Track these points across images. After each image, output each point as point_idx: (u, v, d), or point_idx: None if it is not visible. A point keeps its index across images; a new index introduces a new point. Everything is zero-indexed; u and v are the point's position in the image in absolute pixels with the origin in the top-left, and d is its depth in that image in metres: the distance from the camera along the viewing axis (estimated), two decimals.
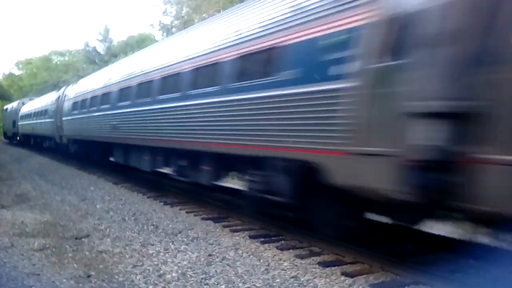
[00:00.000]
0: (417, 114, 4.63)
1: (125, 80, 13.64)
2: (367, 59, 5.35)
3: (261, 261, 6.50)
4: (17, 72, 77.63)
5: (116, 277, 5.85)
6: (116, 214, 9.79)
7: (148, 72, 11.81)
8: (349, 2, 5.72)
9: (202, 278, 5.78)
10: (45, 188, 14.01)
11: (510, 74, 4.11)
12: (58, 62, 70.15)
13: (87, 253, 6.94)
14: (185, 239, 7.68)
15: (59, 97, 23.52)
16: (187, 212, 10.01)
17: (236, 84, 7.92)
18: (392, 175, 4.90)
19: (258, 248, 7.19)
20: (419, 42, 4.75)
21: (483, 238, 8.42)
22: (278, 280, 5.73)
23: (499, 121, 4.18)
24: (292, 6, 6.85)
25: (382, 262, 6.16)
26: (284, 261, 6.52)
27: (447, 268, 6.24)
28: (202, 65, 9.15)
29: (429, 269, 5.93)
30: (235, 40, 8.13)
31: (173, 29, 39.22)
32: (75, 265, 6.35)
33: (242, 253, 6.90)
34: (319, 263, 6.36)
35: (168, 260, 6.53)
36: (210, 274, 5.92)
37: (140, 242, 7.50)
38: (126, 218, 9.43)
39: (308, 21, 6.39)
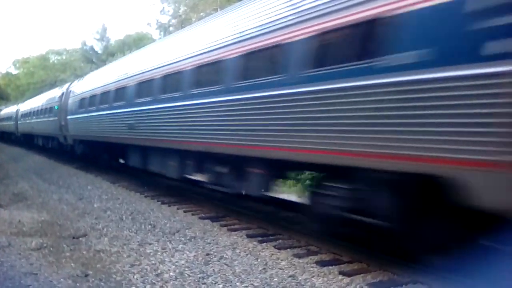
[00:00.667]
0: None
1: (146, 72, 11.70)
2: None
3: (259, 260, 6.50)
4: (14, 71, 77.49)
5: (114, 276, 5.85)
6: (114, 213, 9.78)
7: (178, 62, 9.90)
8: None
9: (199, 277, 5.78)
10: (43, 187, 13.98)
11: None
12: (55, 61, 70.02)
13: (84, 252, 6.93)
14: (183, 238, 7.67)
15: (63, 94, 21.90)
16: (184, 211, 10.00)
17: (320, 69, 5.95)
18: None
19: (255, 247, 7.19)
20: None
21: (482, 237, 8.45)
22: (275, 279, 5.74)
23: None
24: None
25: (380, 261, 6.17)
26: (281, 260, 6.52)
27: (445, 267, 6.26)
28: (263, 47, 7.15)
29: (427, 268, 5.95)
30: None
31: (171, 28, 39.18)
32: (72, 264, 6.34)
33: (239, 252, 6.90)
34: (317, 262, 6.37)
35: (166, 259, 6.53)
36: (208, 273, 5.92)
37: (138, 241, 7.49)
38: (124, 217, 9.42)
39: None
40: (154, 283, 5.60)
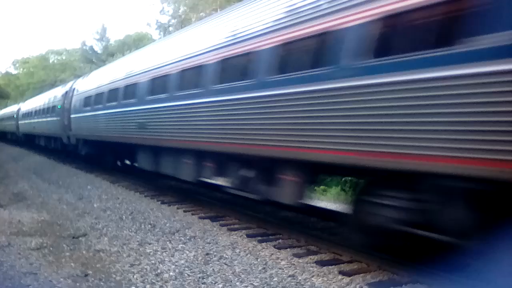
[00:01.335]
0: None
1: (160, 68, 10.87)
2: None
3: (259, 260, 6.50)
4: (14, 71, 77.48)
5: (114, 276, 5.85)
6: (114, 213, 9.78)
7: (200, 55, 9.03)
8: None
9: (199, 277, 5.78)
10: (42, 187, 13.99)
11: None
12: (55, 61, 70.03)
13: (84, 252, 6.93)
14: (183, 238, 7.67)
15: (66, 92, 21.03)
16: (184, 211, 10.00)
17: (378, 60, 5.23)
18: None
19: (255, 247, 7.20)
20: None
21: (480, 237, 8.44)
22: (275, 279, 5.74)
23: None
24: None
25: (380, 261, 6.17)
26: (281, 260, 6.52)
27: (445, 267, 6.26)
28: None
29: (427, 268, 5.95)
30: None
31: (170, 28, 39.17)
32: (72, 264, 6.34)
33: (239, 252, 6.90)
34: (317, 262, 6.37)
35: (166, 259, 6.53)
36: (208, 273, 5.92)
37: (138, 241, 7.50)
38: (124, 217, 9.42)
39: None
40: (153, 282, 5.60)
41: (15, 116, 37.77)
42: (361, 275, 5.89)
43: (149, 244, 7.32)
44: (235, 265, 6.25)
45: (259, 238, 7.64)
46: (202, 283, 5.60)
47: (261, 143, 7.07)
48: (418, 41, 4.99)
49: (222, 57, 8.24)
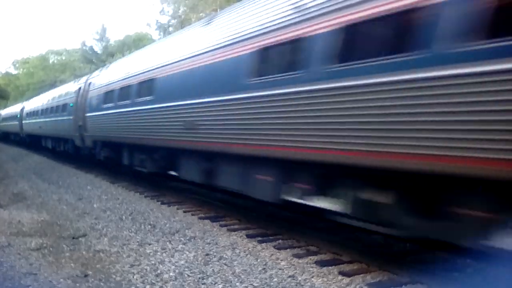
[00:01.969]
0: None
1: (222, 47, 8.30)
2: None
3: (259, 260, 6.50)
4: (14, 72, 77.50)
5: (114, 276, 5.85)
6: (113, 214, 9.78)
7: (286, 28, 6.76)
8: None
9: (199, 278, 5.78)
10: (42, 187, 13.98)
11: None
12: (55, 61, 70.06)
13: (84, 252, 6.93)
14: (183, 239, 7.67)
15: (80, 88, 18.55)
16: (184, 212, 10.00)
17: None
18: None
19: (255, 247, 7.19)
20: None
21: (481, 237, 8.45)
22: (275, 279, 5.74)
23: None
24: None
25: (380, 261, 6.17)
26: (281, 260, 6.52)
27: (444, 267, 6.26)
28: None
29: (427, 268, 5.95)
30: None
31: (170, 28, 39.19)
32: (72, 264, 6.33)
33: (239, 252, 6.90)
34: (316, 262, 6.37)
35: (166, 259, 6.53)
36: (208, 274, 5.92)
37: (138, 241, 7.49)
38: (124, 217, 9.42)
39: None
40: (153, 283, 5.60)
41: (18, 115, 35.48)
42: (361, 275, 5.88)
43: (149, 244, 7.32)
44: (235, 266, 6.24)
45: (259, 238, 7.64)
46: (202, 284, 5.59)
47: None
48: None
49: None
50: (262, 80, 7.08)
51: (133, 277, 5.81)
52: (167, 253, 6.85)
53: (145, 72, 11.78)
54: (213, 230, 8.36)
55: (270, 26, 7.05)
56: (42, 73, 63.87)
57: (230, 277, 5.82)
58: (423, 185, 5.09)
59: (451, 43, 4.46)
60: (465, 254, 6.77)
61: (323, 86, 5.89)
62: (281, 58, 7.15)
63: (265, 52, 7.19)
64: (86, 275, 5.86)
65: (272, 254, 6.81)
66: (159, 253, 6.83)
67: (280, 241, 7.54)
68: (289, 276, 5.84)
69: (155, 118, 10.88)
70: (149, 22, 73.86)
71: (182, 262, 6.41)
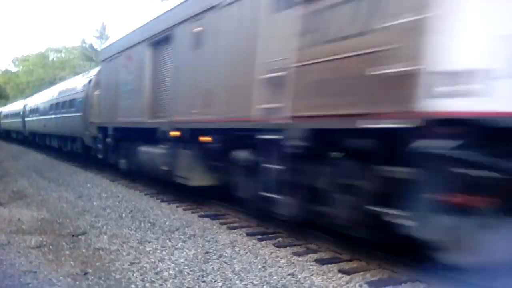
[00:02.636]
0: None
1: None
2: None
3: (258, 258, 6.50)
4: (13, 69, 77.42)
5: (113, 274, 5.85)
6: (113, 212, 9.78)
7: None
8: None
9: (199, 276, 5.78)
10: (42, 185, 13.98)
11: None
12: (54, 59, 69.95)
13: (84, 250, 6.93)
14: (182, 237, 7.68)
15: (90, 81, 17.16)
16: (184, 210, 10.01)
17: None
18: None
19: (255, 245, 7.20)
20: None
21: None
22: (275, 277, 5.74)
23: None
24: None
25: (379, 259, 6.17)
26: (281, 258, 6.53)
27: (444, 266, 6.26)
28: None
29: (426, 266, 5.95)
30: None
31: None
32: (72, 262, 6.33)
33: (239, 250, 6.91)
34: (316, 261, 6.37)
35: (165, 257, 6.53)
36: (207, 272, 5.93)
37: (137, 239, 7.50)
38: (123, 215, 9.42)
39: None
40: (153, 281, 5.60)
41: (21, 113, 33.47)
42: (361, 273, 5.89)
43: (149, 242, 7.32)
44: (234, 264, 6.25)
45: (259, 236, 7.64)
46: (202, 282, 5.60)
47: None
48: None
49: None
50: None
51: (132, 275, 5.82)
52: (166, 251, 6.85)
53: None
54: (213, 228, 8.37)
55: None
56: (42, 71, 63.76)
57: (229, 275, 5.83)
58: None
59: None
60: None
61: None
62: None
63: None
64: (86, 273, 5.86)
65: (272, 252, 6.82)
66: (158, 251, 6.83)
67: (280, 239, 7.55)
68: (289, 274, 5.84)
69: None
70: None
71: (182, 260, 6.41)
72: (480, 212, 4.31)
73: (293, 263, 6.32)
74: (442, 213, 4.39)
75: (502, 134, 4.22)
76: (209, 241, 7.39)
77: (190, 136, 9.06)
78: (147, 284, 5.51)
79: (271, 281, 5.60)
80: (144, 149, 11.31)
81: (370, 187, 5.34)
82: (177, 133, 9.38)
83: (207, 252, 6.77)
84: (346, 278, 5.75)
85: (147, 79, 11.00)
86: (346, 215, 5.77)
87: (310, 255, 6.66)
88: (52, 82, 50.42)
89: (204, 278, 5.72)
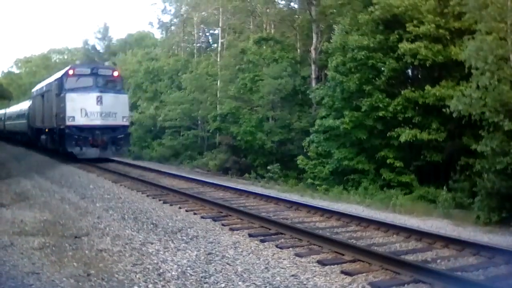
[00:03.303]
0: None
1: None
2: None
3: (261, 259, 6.50)
4: (16, 71, 77.52)
5: (116, 276, 5.85)
6: (116, 213, 9.78)
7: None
8: None
9: (201, 277, 5.78)
10: (45, 186, 13.98)
11: None
12: (57, 60, 70.00)
13: (86, 251, 6.93)
14: (185, 238, 7.68)
15: (30, 105, 25.85)
16: (186, 211, 10.00)
17: None
18: None
19: (257, 246, 7.19)
20: None
21: (483, 236, 8.47)
22: (277, 278, 5.73)
23: None
24: None
25: (382, 260, 6.16)
26: (283, 259, 6.52)
27: (447, 266, 6.25)
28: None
29: (429, 267, 5.94)
30: None
31: (172, 27, 39.14)
32: (74, 263, 6.34)
33: (241, 251, 6.90)
34: (319, 261, 6.36)
35: (168, 258, 6.53)
36: (210, 273, 5.92)
37: (140, 240, 7.49)
38: (126, 216, 9.42)
39: None
40: (156, 282, 5.60)
41: (2, 118, 36.83)
42: (364, 274, 5.88)
43: (151, 243, 7.32)
44: (237, 265, 6.24)
45: (261, 237, 7.63)
46: (204, 283, 5.60)
47: None
48: None
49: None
50: None
51: (135, 276, 5.82)
52: (169, 252, 6.85)
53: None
54: (215, 229, 8.36)
55: None
56: (45, 72, 63.59)
57: (232, 276, 5.82)
58: None
59: None
60: (467, 253, 6.78)
61: None
62: None
63: None
64: (88, 274, 5.87)
65: (275, 253, 6.81)
66: (161, 252, 6.83)
67: (282, 240, 7.54)
68: (292, 275, 5.84)
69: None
70: (152, 21, 73.61)
71: (185, 261, 6.41)
72: None
73: (296, 264, 6.32)
74: None
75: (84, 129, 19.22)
76: (211, 242, 7.38)
77: (45, 131, 23.58)
78: (150, 285, 5.51)
79: (274, 282, 5.59)
80: (43, 136, 24.38)
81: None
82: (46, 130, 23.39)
83: (209, 253, 6.76)
84: (348, 279, 5.74)
85: (39, 107, 25.13)
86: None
87: (313, 256, 6.65)
88: None
89: (206, 279, 5.71)
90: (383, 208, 11.68)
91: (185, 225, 8.56)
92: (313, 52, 21.87)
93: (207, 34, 37.84)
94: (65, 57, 69.49)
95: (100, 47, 53.69)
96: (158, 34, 46.92)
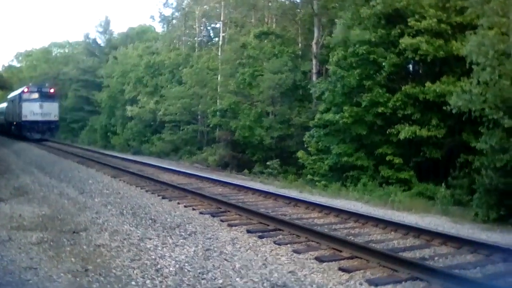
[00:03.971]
0: None
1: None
2: None
3: (259, 255, 6.50)
4: (17, 64, 77.38)
5: (114, 271, 5.85)
6: (114, 208, 9.78)
7: None
8: None
9: (199, 273, 5.78)
10: (44, 181, 13.98)
11: None
12: (58, 54, 69.82)
13: (84, 247, 6.93)
14: (183, 233, 7.68)
15: (6, 105, 35.85)
16: (185, 206, 10.01)
17: None
18: None
19: (255, 242, 7.20)
20: None
21: (481, 234, 8.46)
22: (275, 275, 5.74)
23: None
24: None
25: (380, 257, 6.16)
26: (281, 255, 6.52)
27: (444, 264, 6.26)
28: None
29: (426, 265, 5.94)
30: None
31: (174, 21, 39.01)
32: (72, 259, 6.33)
33: (239, 247, 6.91)
34: (317, 258, 6.36)
35: (166, 254, 6.53)
36: (208, 269, 5.93)
37: (138, 236, 7.50)
38: (124, 212, 9.42)
39: None
40: (154, 278, 5.60)
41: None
42: (361, 271, 5.89)
43: (150, 239, 7.32)
44: (235, 261, 6.25)
45: (260, 233, 7.64)
46: (202, 279, 5.60)
47: None
48: None
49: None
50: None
51: (133, 272, 5.82)
52: (167, 247, 6.85)
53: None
54: (214, 225, 8.36)
55: None
56: (45, 66, 63.56)
57: (230, 272, 5.82)
58: None
59: None
60: (464, 251, 6.78)
61: None
62: None
63: None
64: (86, 270, 5.87)
65: (272, 250, 6.81)
66: (159, 248, 6.83)
67: (280, 236, 7.54)
68: (289, 272, 5.84)
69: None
70: (153, 15, 73.38)
71: (183, 257, 6.41)
72: None
73: (294, 260, 6.32)
74: None
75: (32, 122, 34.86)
76: (209, 238, 7.39)
77: (13, 123, 38.04)
78: (148, 281, 5.51)
79: (272, 279, 5.59)
80: (12, 127, 37.79)
81: None
82: (14, 123, 37.95)
83: (207, 249, 6.77)
84: (346, 276, 5.74)
85: (10, 109, 39.46)
86: None
87: (311, 252, 6.65)
88: (55, 77, 50.60)
89: (204, 275, 5.72)
90: (382, 204, 11.67)
91: (183, 221, 8.56)
92: (314, 46, 21.77)
93: (209, 28, 37.70)
94: (66, 50, 69.22)
95: (101, 40, 53.49)
96: (159, 28, 46.78)
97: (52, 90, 35.84)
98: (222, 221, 8.61)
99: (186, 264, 6.10)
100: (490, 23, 10.76)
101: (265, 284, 5.45)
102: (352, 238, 7.38)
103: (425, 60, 14.83)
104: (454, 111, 11.36)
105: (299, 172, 19.07)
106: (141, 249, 6.77)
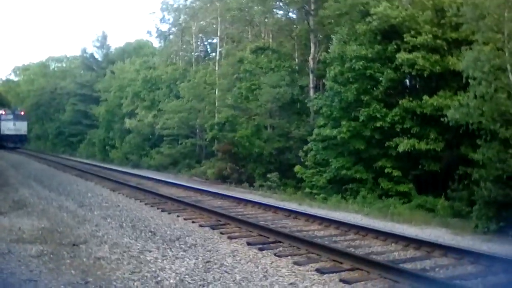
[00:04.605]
0: None
1: None
2: None
3: (259, 267, 6.49)
4: (14, 79, 77.47)
5: (114, 283, 5.83)
6: (114, 221, 9.76)
7: None
8: None
9: (200, 285, 5.77)
10: (43, 194, 13.95)
11: None
12: (55, 69, 69.97)
13: (84, 259, 6.91)
14: (183, 246, 7.66)
15: None
16: (184, 219, 9.99)
17: None
18: None
19: (256, 254, 7.19)
20: None
21: (481, 245, 8.47)
22: (276, 286, 5.73)
23: None
24: None
25: (380, 269, 6.16)
26: (282, 267, 6.51)
27: (445, 275, 6.26)
28: None
29: (427, 276, 5.95)
30: None
31: (171, 36, 39.22)
32: (72, 271, 6.31)
33: (240, 259, 6.89)
34: (317, 270, 6.36)
35: (166, 266, 6.52)
36: (208, 281, 5.91)
37: (138, 248, 7.48)
38: (124, 224, 9.41)
39: None
40: None
41: None
42: (362, 282, 5.89)
43: (150, 251, 7.31)
44: (235, 273, 6.24)
45: (260, 245, 7.63)
46: None
47: None
48: None
49: None
50: None
51: (133, 284, 5.80)
52: (167, 260, 6.84)
53: None
54: (214, 237, 8.35)
55: None
56: (43, 80, 63.63)
57: (230, 284, 5.81)
58: None
59: None
60: (466, 261, 6.79)
61: None
62: None
63: None
64: (86, 282, 5.85)
65: (273, 262, 6.80)
66: (159, 260, 6.81)
67: (281, 248, 7.53)
68: (290, 284, 5.83)
69: None
70: (150, 30, 73.80)
71: (183, 269, 6.40)
72: None
73: (294, 272, 6.31)
74: None
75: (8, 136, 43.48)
76: (210, 251, 7.38)
77: None
78: None
79: None
80: None
81: None
82: None
83: (208, 262, 6.75)
84: (347, 287, 5.73)
85: None
86: None
87: (311, 264, 6.65)
88: (52, 92, 50.83)
89: (205, 287, 5.70)
90: (382, 217, 11.68)
91: (183, 233, 8.55)
92: (311, 61, 21.92)
93: (205, 43, 37.89)
94: (64, 65, 69.36)
95: (98, 55, 53.66)
96: (156, 43, 46.97)
97: (22, 113, 46.97)
98: (222, 233, 8.61)
99: (187, 276, 6.09)
100: (485, 39, 10.90)
101: None
102: (353, 250, 7.38)
103: (421, 75, 14.93)
104: (451, 124, 11.44)
105: (298, 185, 19.06)
106: (141, 262, 6.76)
